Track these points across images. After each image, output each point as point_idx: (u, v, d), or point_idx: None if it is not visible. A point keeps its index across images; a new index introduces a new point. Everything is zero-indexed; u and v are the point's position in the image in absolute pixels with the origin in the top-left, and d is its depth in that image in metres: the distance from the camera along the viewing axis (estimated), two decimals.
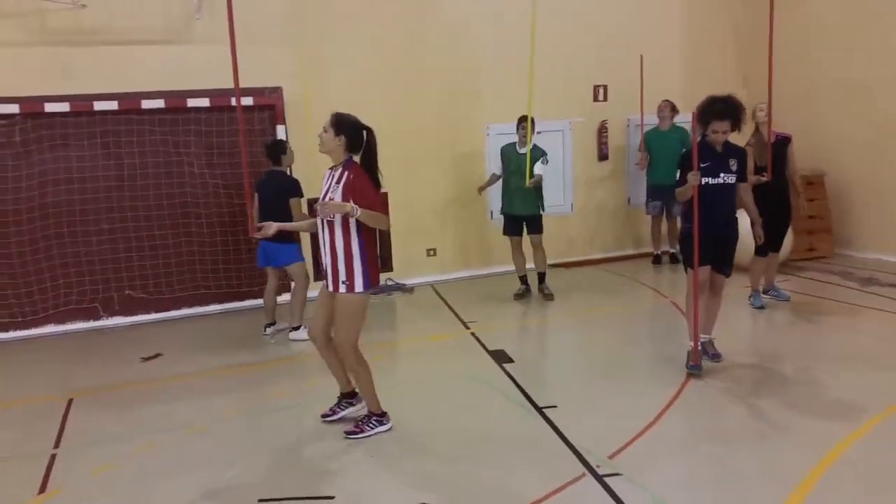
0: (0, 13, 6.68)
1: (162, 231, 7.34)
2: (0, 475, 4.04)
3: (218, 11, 7.16)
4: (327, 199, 3.94)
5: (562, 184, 8.97)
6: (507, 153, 7.23)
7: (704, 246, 4.79)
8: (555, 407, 4.42)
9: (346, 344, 4.07)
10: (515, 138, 7.24)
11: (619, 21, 8.92)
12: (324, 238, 4.03)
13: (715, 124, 4.76)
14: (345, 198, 3.88)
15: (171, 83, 7.15)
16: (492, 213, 8.67)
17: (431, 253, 8.51)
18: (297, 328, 6.29)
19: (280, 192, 6.08)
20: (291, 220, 5.62)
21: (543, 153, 7.04)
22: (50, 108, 6.75)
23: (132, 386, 5.43)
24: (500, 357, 5.50)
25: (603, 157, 9.09)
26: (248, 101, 7.35)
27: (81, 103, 6.86)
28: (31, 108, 6.71)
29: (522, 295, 7.37)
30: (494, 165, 8.49)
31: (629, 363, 5.34)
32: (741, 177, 4.94)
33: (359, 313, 4.06)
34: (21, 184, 6.85)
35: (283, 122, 7.54)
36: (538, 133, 8.64)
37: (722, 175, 4.84)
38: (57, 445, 4.38)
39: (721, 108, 4.76)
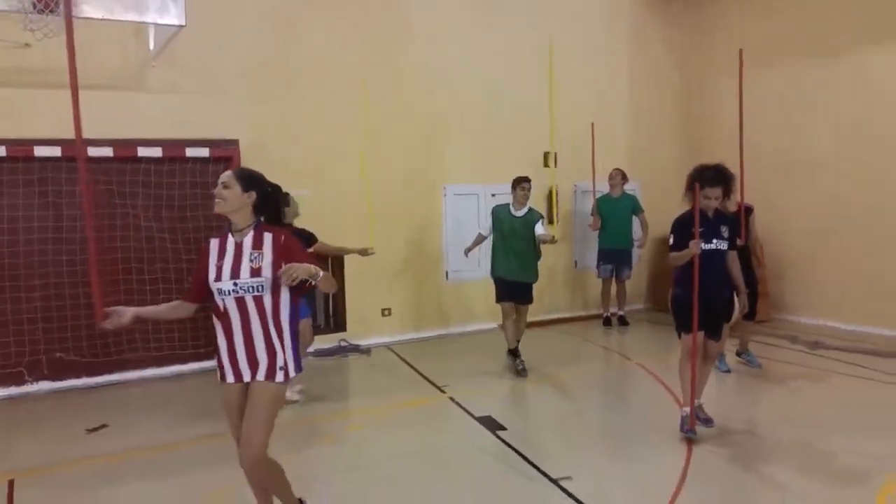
0: None
1: (107, 287, 6.69)
2: None
3: (176, 60, 6.90)
4: (243, 270, 3.19)
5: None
6: (500, 215, 6.80)
7: (698, 312, 4.86)
8: (569, 478, 4.26)
9: (264, 449, 3.23)
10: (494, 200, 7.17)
11: (567, 91, 9.23)
12: (237, 319, 3.21)
13: (707, 191, 4.88)
14: (276, 261, 3.20)
15: (121, 131, 6.69)
16: (447, 273, 8.59)
17: (387, 312, 8.26)
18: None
19: None
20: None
21: (541, 216, 6.84)
22: None
23: (82, 462, 4.80)
24: (490, 424, 5.30)
25: (550, 220, 9.24)
26: (203, 151, 7.00)
27: (20, 148, 6.26)
28: None
29: (525, 371, 6.63)
30: (453, 225, 8.50)
31: (622, 430, 5.29)
32: (732, 244, 5.09)
33: (279, 407, 3.33)
34: None
35: None
36: (493, 195, 8.79)
37: (714, 241, 4.95)
38: None
39: (712, 175, 4.90)
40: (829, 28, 8.22)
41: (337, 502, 4.15)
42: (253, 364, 3.23)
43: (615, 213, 8.65)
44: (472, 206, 8.68)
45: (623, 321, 8.79)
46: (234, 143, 7.21)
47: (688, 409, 4.93)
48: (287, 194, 6.19)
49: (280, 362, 3.24)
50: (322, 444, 5.11)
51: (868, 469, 4.33)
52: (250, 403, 3.20)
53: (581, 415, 5.75)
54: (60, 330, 6.56)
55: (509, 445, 4.87)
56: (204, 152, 6.98)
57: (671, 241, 5.02)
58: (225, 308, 3.22)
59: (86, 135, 6.49)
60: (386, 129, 8.03)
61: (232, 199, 3.27)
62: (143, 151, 6.72)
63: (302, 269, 3.05)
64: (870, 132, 7.85)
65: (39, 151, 6.32)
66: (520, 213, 6.72)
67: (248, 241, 3.28)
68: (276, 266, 3.18)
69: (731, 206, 6.43)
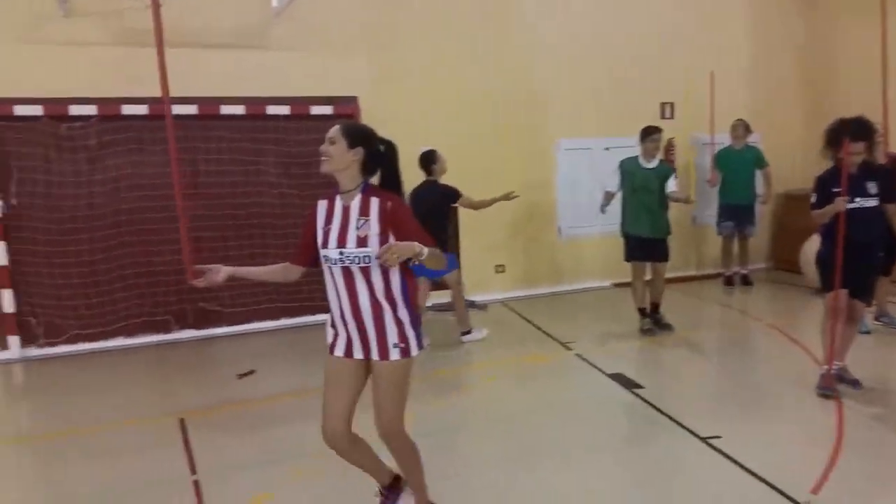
0: (79, 12, 6.36)
1: (238, 241, 7.03)
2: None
3: (297, 17, 6.99)
4: (350, 238, 2.90)
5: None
6: (629, 168, 6.56)
7: (842, 270, 4.67)
8: (719, 437, 4.23)
9: (398, 424, 3.05)
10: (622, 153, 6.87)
11: (686, 40, 8.85)
12: (345, 292, 2.94)
13: (850, 146, 4.61)
14: (383, 231, 2.89)
15: (249, 89, 6.90)
16: (559, 229, 8.53)
17: (500, 269, 8.31)
18: (468, 332, 6.46)
19: (443, 200, 6.17)
20: (447, 229, 6.23)
21: (673, 169, 6.63)
22: (127, 110, 6.45)
23: (240, 405, 5.12)
24: (624, 381, 5.30)
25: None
26: (326, 109, 7.14)
27: (160, 106, 6.53)
28: (109, 109, 6.41)
29: (651, 331, 6.53)
30: (566, 181, 8.39)
31: (765, 391, 5.17)
32: (886, 197, 4.81)
33: (407, 382, 3.07)
34: (94, 189, 6.54)
35: None
36: (606, 150, 8.61)
37: (858, 199, 4.69)
38: (194, 472, 4.07)
39: (856, 130, 4.62)
40: None
41: (487, 452, 4.26)
42: (364, 341, 2.98)
43: (737, 166, 8.29)
44: (585, 160, 8.53)
45: (746, 280, 8.51)
46: (353, 101, 7.31)
47: (826, 368, 4.79)
48: (434, 151, 6.31)
49: (393, 338, 2.95)
50: (460, 395, 5.26)
51: None
52: (374, 381, 3.03)
53: (718, 375, 5.67)
54: None
55: (648, 402, 4.86)
56: (327, 110, 7.12)
57: (813, 199, 4.82)
58: (332, 277, 2.97)
59: (216, 93, 6.87)
60: (498, 83, 7.96)
61: (337, 157, 2.95)
62: (271, 109, 6.92)
63: (403, 249, 2.74)
64: None
65: (177, 110, 6.57)
66: (650, 166, 6.52)
67: (355, 204, 2.95)
68: (382, 237, 2.88)
69: (880, 159, 6.08)
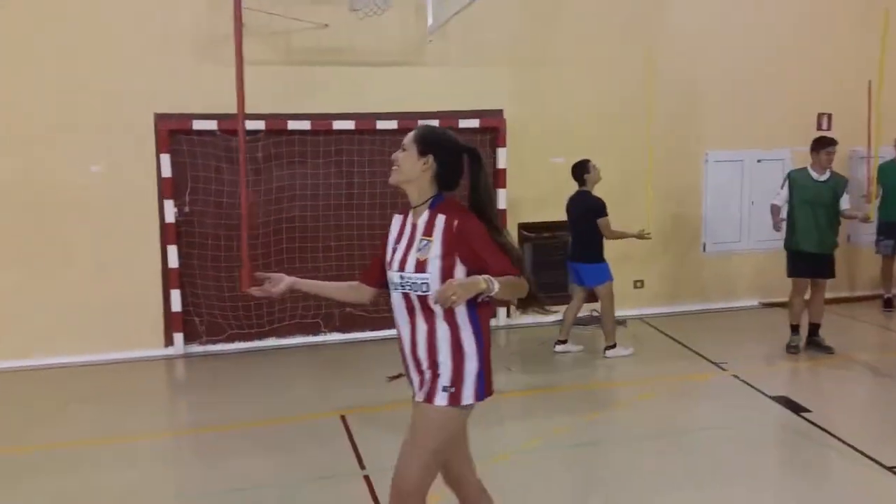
0: (250, 33, 6.83)
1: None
2: (326, 496, 3.92)
3: (449, 34, 7.19)
4: (409, 261, 2.54)
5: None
6: (800, 181, 6.34)
7: None
8: None
9: (414, 487, 2.54)
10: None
11: (842, 48, 8.36)
12: (408, 325, 2.59)
13: None
14: (447, 255, 2.48)
15: (402, 104, 7.16)
16: (704, 245, 8.25)
17: (639, 284, 8.12)
18: (613, 346, 6.41)
19: (587, 213, 6.21)
20: (600, 240, 6.22)
21: (846, 181, 6.38)
22: (292, 125, 6.86)
23: (396, 405, 5.25)
24: (789, 404, 5.03)
25: None
26: (473, 123, 7.29)
27: (322, 122, 6.93)
28: (275, 125, 6.83)
29: (797, 348, 6.34)
30: (714, 194, 8.12)
31: None
32: None
33: (445, 438, 2.57)
34: (259, 198, 6.97)
35: (505, 145, 7.41)
36: (759, 162, 8.28)
37: None
38: (363, 466, 4.24)
39: None
40: None
41: (647, 469, 4.17)
42: (419, 376, 2.61)
43: None
44: (737, 173, 8.23)
45: (889, 303, 7.90)
46: (499, 113, 7.43)
47: None
48: (587, 161, 6.35)
49: (445, 381, 2.51)
50: (616, 409, 5.19)
51: None
52: (410, 425, 2.61)
53: (893, 401, 5.28)
54: None
55: (820, 427, 4.59)
56: (474, 123, 7.27)
57: None
58: (394, 303, 2.63)
59: (373, 109, 7.16)
60: (644, 95, 7.82)
61: (405, 166, 2.60)
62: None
63: (465, 288, 2.31)
64: None
65: (337, 125, 6.96)
66: (822, 178, 6.27)
67: (421, 222, 2.59)
68: (445, 261, 2.48)
69: None
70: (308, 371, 6.46)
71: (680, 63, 7.91)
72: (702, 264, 8.26)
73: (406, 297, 2.56)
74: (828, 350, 6.26)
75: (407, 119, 7.09)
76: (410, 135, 2.64)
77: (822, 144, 6.25)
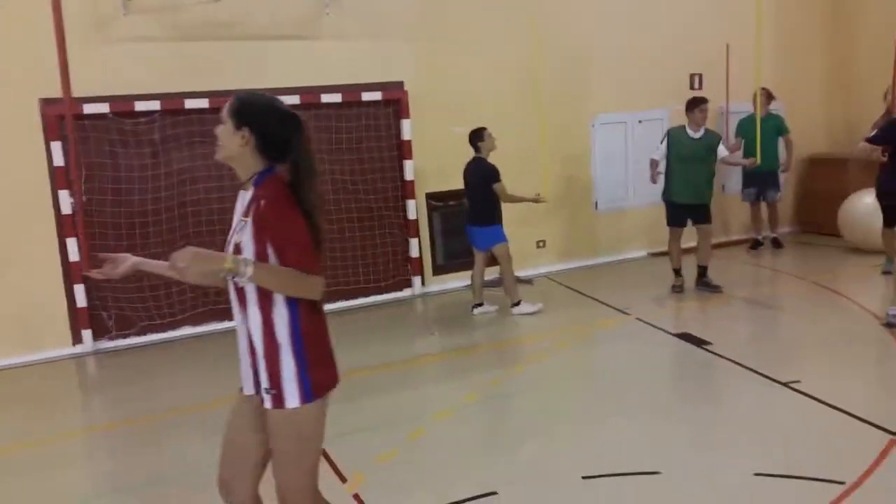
0: (137, 8, 6.52)
1: None
2: None
3: (346, 7, 7.19)
4: (231, 244, 2.36)
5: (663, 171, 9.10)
6: (678, 137, 6.88)
7: None
8: (798, 382, 4.52)
9: (298, 493, 2.40)
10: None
11: (709, 12, 9.09)
12: (239, 314, 2.39)
13: None
14: (258, 239, 2.26)
15: (303, 79, 7.09)
16: (596, 203, 8.79)
17: (541, 244, 8.56)
18: (518, 303, 6.71)
19: (482, 179, 6.45)
20: (497, 206, 6.47)
21: (720, 136, 6.95)
22: (190, 104, 6.63)
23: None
24: (692, 339, 5.58)
25: None
26: (376, 95, 7.34)
27: (220, 99, 6.68)
28: (172, 105, 6.57)
29: (681, 288, 7.03)
30: (602, 156, 8.63)
31: (830, 339, 5.46)
32: None
33: (311, 437, 2.39)
34: (160, 182, 6.71)
35: (408, 116, 7.52)
36: (640, 123, 8.89)
37: None
38: None
39: None
40: None
41: (573, 408, 4.55)
42: (247, 373, 2.43)
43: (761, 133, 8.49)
44: (620, 134, 8.79)
45: (777, 243, 8.78)
46: (400, 85, 7.52)
47: None
48: (482, 129, 6.57)
49: (265, 382, 2.32)
50: (540, 359, 5.52)
51: None
52: (269, 436, 2.40)
53: (780, 328, 5.99)
54: None
55: (722, 356, 5.16)
56: (377, 96, 7.33)
57: (874, 133, 5.34)
58: (232, 289, 2.39)
59: (273, 84, 7.05)
60: (537, 62, 8.16)
61: (224, 141, 2.38)
62: (325, 98, 7.12)
63: (198, 260, 2.15)
64: None
65: None
66: (698, 135, 6.81)
67: (244, 201, 2.40)
68: (257, 245, 2.26)
69: None
70: (232, 355, 6.33)
71: (566, 31, 8.29)
72: (595, 221, 8.80)
73: (235, 284, 2.33)
74: (716, 289, 6.91)
75: (309, 93, 7.06)
76: (226, 106, 2.40)
77: (695, 103, 6.81)
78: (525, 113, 8.02)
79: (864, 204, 7.69)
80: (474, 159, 6.62)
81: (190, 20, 6.67)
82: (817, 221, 9.26)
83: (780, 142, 8.75)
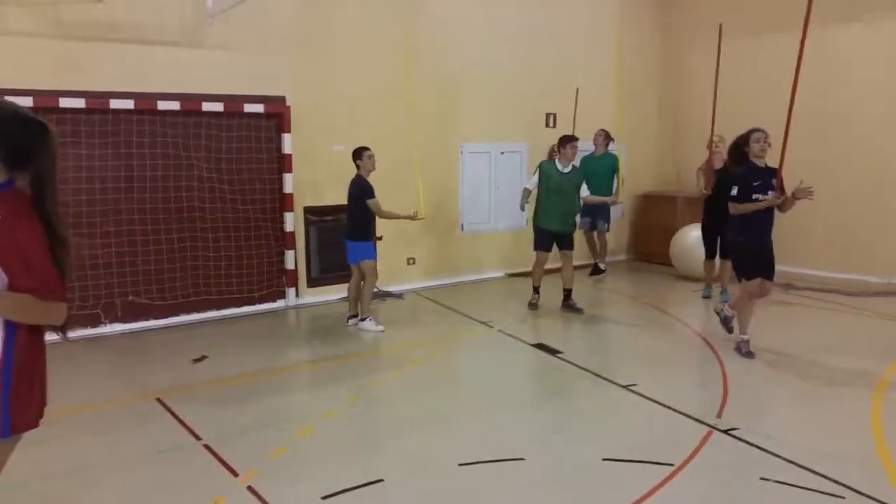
0: (14, 2, 6.29)
1: (168, 235, 7.19)
2: (173, 467, 4.09)
3: (231, 18, 7.33)
4: None
5: (518, 200, 9.87)
6: (548, 171, 7.53)
7: (756, 259, 5.74)
8: (636, 385, 5.27)
9: None
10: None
11: (564, 59, 10.09)
12: None
13: (755, 136, 5.70)
14: None
15: (185, 86, 7.12)
16: (462, 226, 9.42)
17: (411, 262, 9.03)
18: (364, 319, 6.97)
19: (358, 195, 6.79)
20: (371, 222, 6.78)
21: (583, 176, 7.64)
22: (65, 103, 6.46)
23: (213, 383, 5.46)
24: (546, 349, 6.25)
25: None
26: (258, 108, 7.49)
27: (97, 100, 6.62)
28: (45, 102, 6.35)
29: (536, 305, 7.68)
30: (469, 181, 9.27)
31: (660, 350, 6.36)
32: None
33: None
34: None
35: (289, 131, 7.73)
36: (502, 154, 9.66)
37: (770, 192, 5.63)
38: (198, 438, 4.43)
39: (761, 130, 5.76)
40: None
41: (441, 408, 5.02)
42: None
43: (596, 170, 9.12)
44: (486, 163, 9.51)
45: (598, 269, 9.66)
46: (282, 100, 7.71)
47: (746, 337, 5.93)
48: (362, 149, 6.94)
49: None
50: (414, 365, 5.93)
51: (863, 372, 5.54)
52: None
53: (620, 340, 6.85)
54: (132, 274, 7.02)
55: (571, 363, 5.85)
56: (259, 108, 7.48)
57: (734, 192, 5.67)
58: None
59: (153, 89, 7.04)
60: (414, 89, 8.68)
61: None
62: (206, 106, 7.17)
63: None
64: (826, 102, 9.01)
65: (115, 104, 6.70)
66: (566, 170, 7.50)
67: None
68: None
69: (717, 164, 7.51)
70: (102, 362, 6.15)
71: (439, 63, 8.92)
72: (460, 242, 9.43)
73: None
74: (580, 311, 7.56)
75: (189, 100, 7.09)
76: None
77: (567, 141, 7.51)
78: (401, 135, 8.50)
79: (691, 237, 8.89)
80: (356, 176, 6.95)
81: (69, 17, 6.52)
82: (650, 251, 10.47)
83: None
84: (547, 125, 10.09)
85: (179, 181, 7.23)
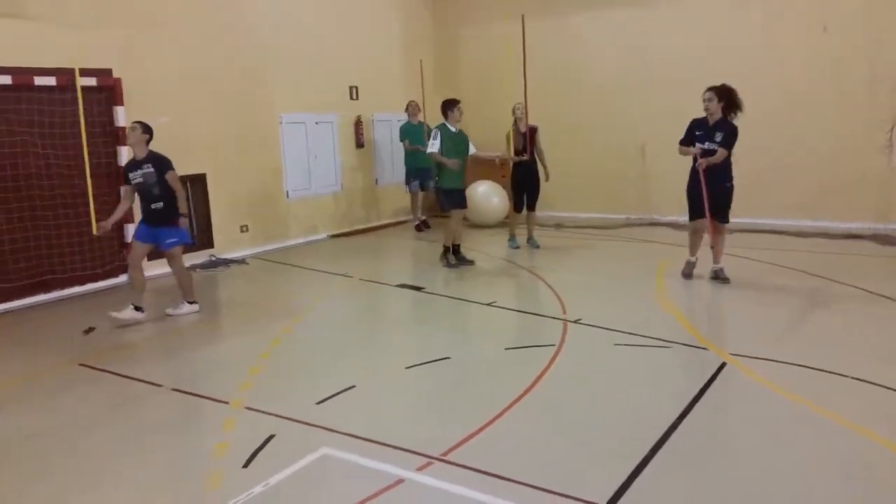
0: None
1: (5, 206, 6.89)
2: (156, 409, 4.48)
3: None
4: None
5: (333, 166, 10.73)
6: (445, 133, 7.76)
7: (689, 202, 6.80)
8: (495, 301, 6.63)
9: None
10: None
11: (370, 35, 11.06)
12: None
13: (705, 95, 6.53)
14: None
15: (15, 59, 6.80)
16: (287, 192, 9.99)
17: (244, 229, 9.41)
18: (193, 302, 6.66)
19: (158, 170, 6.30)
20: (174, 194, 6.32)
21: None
22: None
23: (124, 349, 5.65)
24: (410, 287, 7.33)
25: (360, 145, 11.14)
26: (91, 81, 7.37)
27: None
28: None
29: (456, 265, 7.97)
30: (290, 149, 9.88)
31: (507, 280, 7.81)
32: (723, 144, 6.49)
33: None
34: None
35: (122, 104, 7.69)
36: (316, 124, 10.39)
37: (707, 143, 6.57)
38: (158, 384, 4.79)
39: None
40: None
41: (374, 327, 5.94)
42: None
43: (417, 137, 10.68)
44: (301, 132, 10.16)
45: (427, 224, 11.07)
46: (108, 73, 7.62)
47: (692, 259, 7.10)
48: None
49: None
50: (310, 313, 6.63)
51: (646, 271, 7.53)
52: None
53: (463, 276, 8.09)
54: None
55: (436, 294, 7.04)
56: (91, 81, 7.35)
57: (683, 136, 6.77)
58: None
59: None
60: (233, 62, 9.05)
61: None
62: (38, 81, 6.91)
63: None
64: (580, 76, 11.23)
65: None
66: (456, 130, 7.91)
67: None
68: None
69: (522, 128, 8.97)
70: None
71: (253, 34, 9.32)
72: (287, 208, 10.01)
73: None
74: (471, 262, 8.11)
75: (22, 74, 6.78)
76: None
77: (454, 103, 7.90)
78: (226, 108, 8.86)
79: (478, 192, 10.50)
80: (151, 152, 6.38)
81: None
82: None
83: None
84: (351, 97, 10.99)
85: (15, 158, 6.88)
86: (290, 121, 9.95)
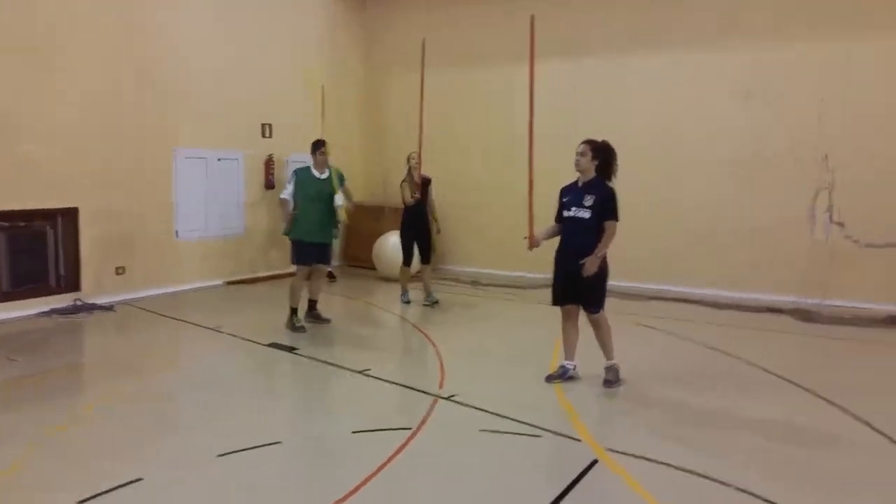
0: None
1: None
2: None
3: None
4: None
5: (235, 207, 9.94)
6: (305, 178, 6.95)
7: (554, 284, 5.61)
8: (369, 369, 5.87)
9: None
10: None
11: (282, 72, 10.45)
12: None
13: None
14: None
15: None
16: (177, 231, 9.16)
17: (121, 271, 8.53)
18: None
19: None
20: None
21: (343, 179, 7.11)
22: None
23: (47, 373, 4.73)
24: (282, 347, 6.54)
25: (269, 186, 10.39)
26: None
27: None
28: None
29: (303, 328, 7.09)
30: (184, 186, 9.10)
31: (383, 339, 7.12)
32: (598, 211, 5.22)
33: None
34: None
35: None
36: (219, 160, 9.65)
37: (574, 209, 5.33)
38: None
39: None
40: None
41: (211, 400, 5.10)
42: None
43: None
44: (201, 168, 9.40)
45: (332, 275, 10.32)
46: None
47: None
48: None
49: None
50: (150, 375, 5.77)
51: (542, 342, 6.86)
52: None
53: (347, 333, 7.33)
54: None
55: (310, 357, 6.25)
56: None
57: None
58: None
59: None
60: (127, 88, 8.35)
61: None
62: None
63: None
64: (503, 125, 10.65)
65: None
66: (323, 176, 7.04)
67: None
68: None
69: (416, 178, 8.15)
70: None
71: (159, 65, 8.66)
72: (176, 248, 9.16)
73: None
74: (326, 321, 7.34)
75: None
76: None
77: (316, 147, 7.02)
78: (117, 135, 8.15)
79: (390, 243, 9.80)
80: None
81: None
82: (360, 257, 11.25)
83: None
84: (263, 135, 10.30)
85: None
86: (189, 156, 9.18)
